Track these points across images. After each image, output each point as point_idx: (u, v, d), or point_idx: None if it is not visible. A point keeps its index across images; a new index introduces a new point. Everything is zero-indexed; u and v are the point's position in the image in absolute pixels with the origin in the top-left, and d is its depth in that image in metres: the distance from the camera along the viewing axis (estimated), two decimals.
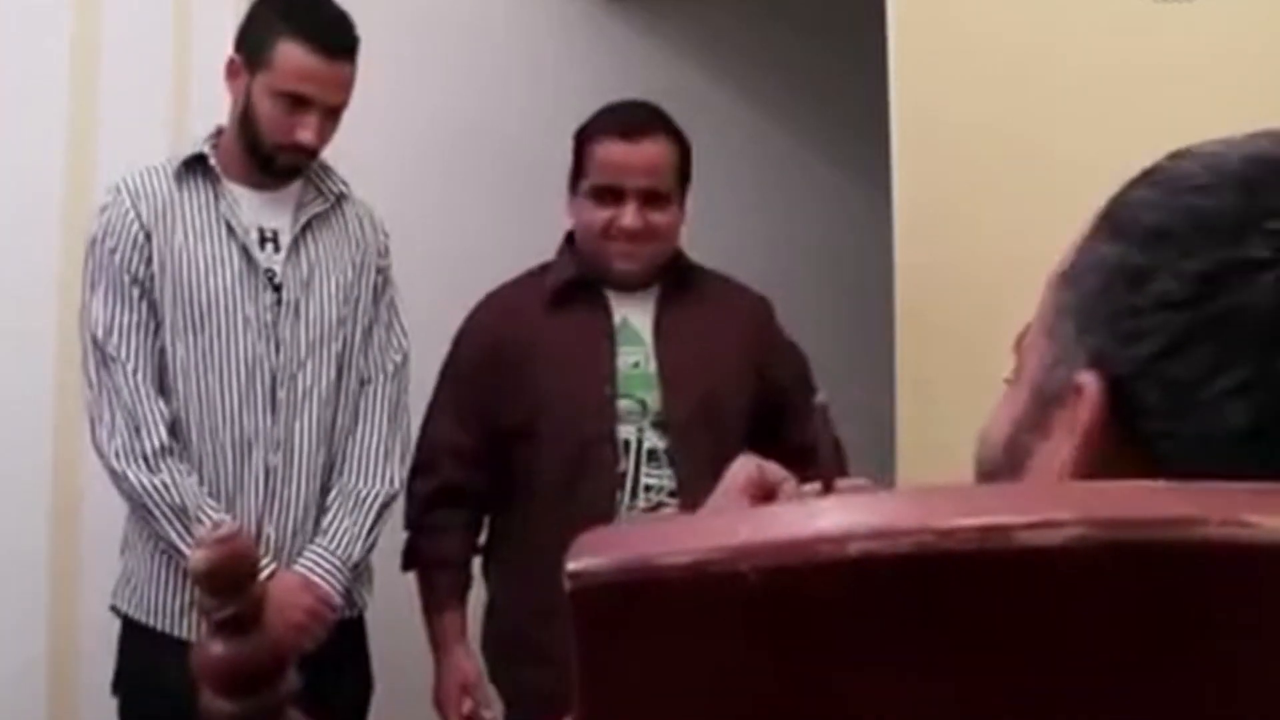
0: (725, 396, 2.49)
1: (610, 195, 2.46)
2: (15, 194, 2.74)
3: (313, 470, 2.40)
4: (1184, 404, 0.59)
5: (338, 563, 2.38)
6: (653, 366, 2.47)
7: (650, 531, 0.53)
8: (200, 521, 2.27)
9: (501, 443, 2.48)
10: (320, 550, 2.38)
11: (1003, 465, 0.67)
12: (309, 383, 2.39)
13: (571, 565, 0.51)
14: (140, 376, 2.32)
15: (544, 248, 2.62)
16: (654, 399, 2.46)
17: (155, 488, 2.29)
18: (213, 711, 0.79)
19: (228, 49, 2.42)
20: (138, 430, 2.30)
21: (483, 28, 3.37)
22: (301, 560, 2.37)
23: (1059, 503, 0.50)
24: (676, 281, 2.54)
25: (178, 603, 2.37)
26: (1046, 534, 0.48)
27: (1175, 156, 0.66)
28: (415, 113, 3.19)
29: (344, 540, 2.39)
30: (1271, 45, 2.02)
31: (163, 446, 2.30)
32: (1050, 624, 0.50)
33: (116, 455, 2.31)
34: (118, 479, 2.32)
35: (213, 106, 2.54)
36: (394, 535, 2.54)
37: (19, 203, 2.74)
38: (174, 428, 2.34)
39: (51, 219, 2.76)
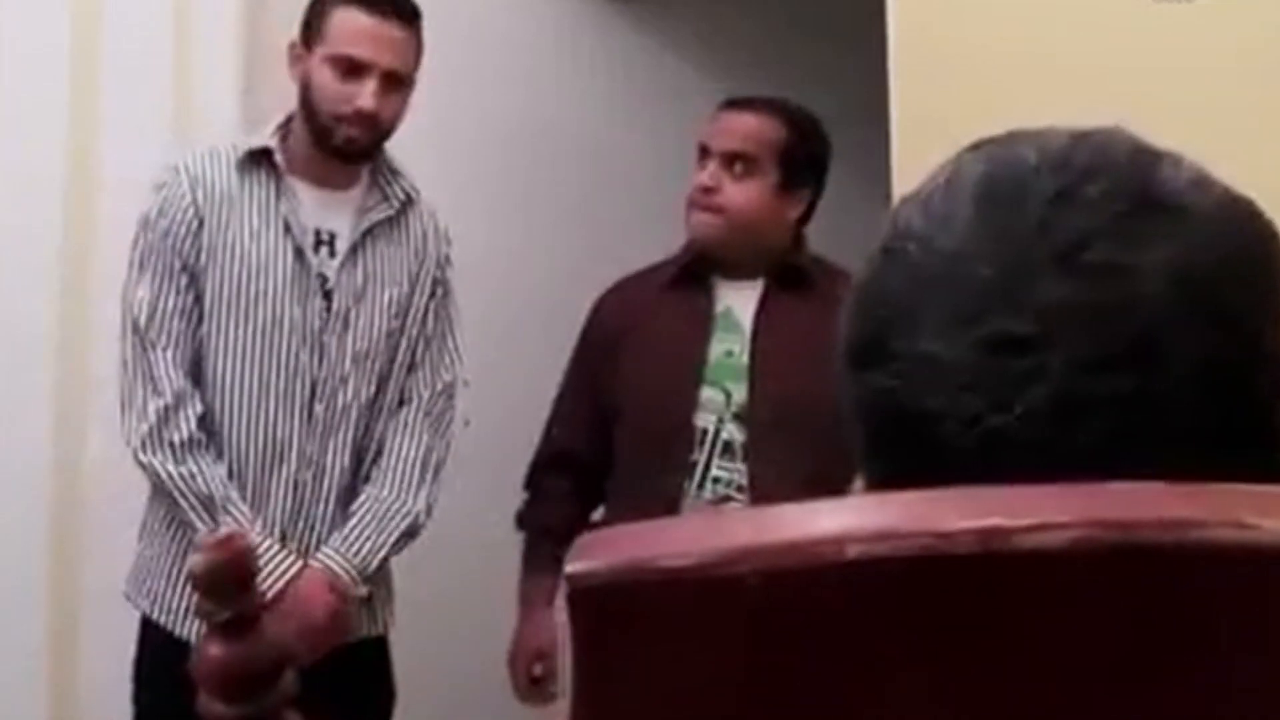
0: (818, 397, 2.42)
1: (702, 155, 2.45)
2: (15, 194, 2.73)
3: (342, 488, 2.33)
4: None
5: (355, 572, 2.29)
6: (745, 358, 2.42)
7: (650, 533, 0.53)
8: (228, 512, 2.21)
9: (607, 423, 2.50)
10: (338, 556, 2.28)
11: None
12: (349, 398, 2.31)
13: (569, 567, 0.50)
14: (176, 364, 2.24)
15: (542, 250, 2.61)
16: (740, 391, 2.40)
17: (181, 476, 2.22)
18: (210, 715, 0.78)
19: (228, 49, 2.42)
20: (167, 419, 2.23)
21: (481, 28, 3.37)
22: (318, 557, 2.28)
23: (1059, 505, 0.49)
24: (786, 274, 2.47)
25: (184, 601, 2.28)
26: (1047, 536, 0.48)
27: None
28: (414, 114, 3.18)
29: (364, 550, 2.30)
30: (1271, 45, 2.01)
31: (191, 438, 2.23)
32: (1051, 626, 0.49)
33: (144, 442, 2.23)
34: (143, 466, 2.25)
35: (214, 105, 2.53)
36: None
37: (19, 203, 2.73)
38: (205, 420, 2.25)
39: (52, 219, 2.74)
